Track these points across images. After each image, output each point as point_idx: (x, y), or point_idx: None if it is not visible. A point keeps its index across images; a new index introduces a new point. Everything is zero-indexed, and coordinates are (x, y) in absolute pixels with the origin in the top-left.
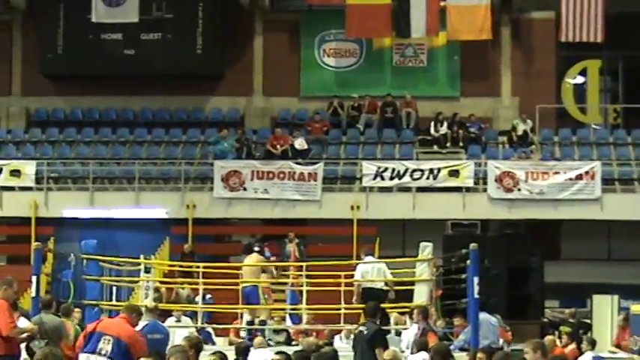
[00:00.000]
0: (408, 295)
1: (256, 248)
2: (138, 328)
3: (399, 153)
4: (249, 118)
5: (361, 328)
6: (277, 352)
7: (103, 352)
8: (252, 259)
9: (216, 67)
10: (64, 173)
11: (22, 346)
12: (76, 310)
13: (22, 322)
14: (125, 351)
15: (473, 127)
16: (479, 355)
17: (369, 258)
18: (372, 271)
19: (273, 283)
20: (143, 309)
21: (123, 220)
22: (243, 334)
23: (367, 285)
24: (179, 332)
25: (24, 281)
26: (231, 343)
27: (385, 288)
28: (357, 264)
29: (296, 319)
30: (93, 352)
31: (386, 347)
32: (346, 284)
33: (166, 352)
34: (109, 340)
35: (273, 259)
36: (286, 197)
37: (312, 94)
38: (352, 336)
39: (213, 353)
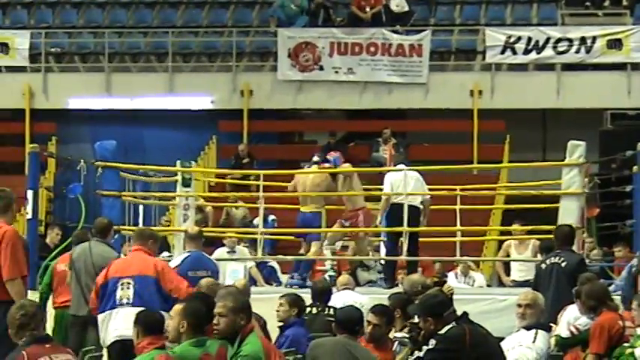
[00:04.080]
0: (550, 216)
1: (315, 158)
2: (174, 263)
3: (538, 16)
4: None
5: (553, 258)
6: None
7: (125, 301)
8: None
9: None
10: (69, 47)
11: None
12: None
13: None
14: (155, 290)
15: None
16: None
17: (401, 166)
18: (401, 183)
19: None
20: (182, 236)
21: (151, 113)
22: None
23: (397, 200)
24: (232, 267)
25: (17, 198)
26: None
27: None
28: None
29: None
30: (113, 306)
31: None
32: (464, 200)
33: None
34: (129, 284)
35: (346, 165)
36: (379, 79)
37: None
38: (538, 269)
39: (283, 296)
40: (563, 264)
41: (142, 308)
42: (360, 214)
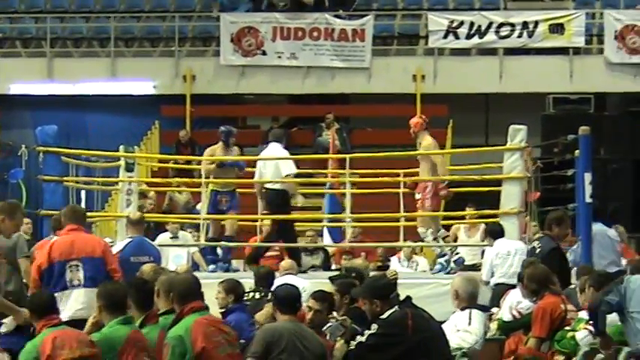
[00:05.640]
0: (493, 199)
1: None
2: (117, 248)
3: (480, 0)
4: None
5: (535, 242)
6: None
7: (76, 282)
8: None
9: None
10: (10, 33)
11: None
12: (26, 221)
13: None
14: (103, 270)
15: None
16: (589, 282)
17: (275, 146)
18: (264, 167)
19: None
20: (124, 221)
21: (94, 98)
22: None
23: (270, 186)
24: (175, 253)
25: None
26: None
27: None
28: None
29: (337, 234)
30: (64, 288)
31: (559, 274)
32: (408, 185)
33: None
34: (78, 266)
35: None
36: (322, 64)
37: None
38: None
39: (221, 283)
40: (538, 249)
41: (94, 289)
42: None
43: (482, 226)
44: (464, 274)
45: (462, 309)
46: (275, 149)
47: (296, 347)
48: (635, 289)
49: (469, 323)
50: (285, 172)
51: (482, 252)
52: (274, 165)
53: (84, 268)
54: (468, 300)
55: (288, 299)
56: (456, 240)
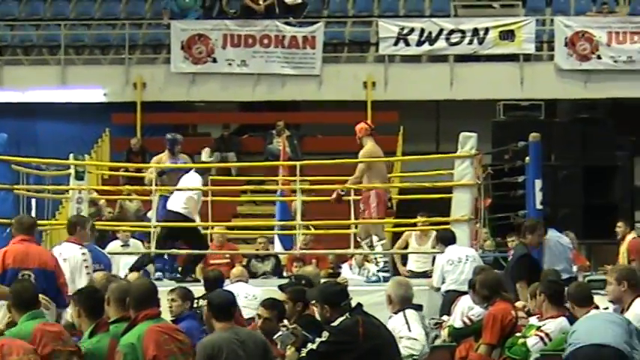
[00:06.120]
0: (443, 207)
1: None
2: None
3: (430, 7)
4: None
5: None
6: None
7: None
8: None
9: None
10: None
11: None
12: None
13: None
14: (53, 282)
15: None
16: (540, 288)
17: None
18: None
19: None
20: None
21: (44, 106)
22: None
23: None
24: (126, 260)
25: None
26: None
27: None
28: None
29: (287, 241)
30: None
31: (529, 280)
32: (357, 192)
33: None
34: (30, 276)
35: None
36: (272, 71)
37: None
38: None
39: (173, 290)
40: (511, 256)
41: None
42: None
43: (434, 233)
44: (396, 278)
45: (396, 312)
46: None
47: (238, 356)
48: None
49: (409, 328)
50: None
51: (433, 259)
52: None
53: (36, 279)
54: (400, 303)
55: (223, 306)
56: (406, 247)
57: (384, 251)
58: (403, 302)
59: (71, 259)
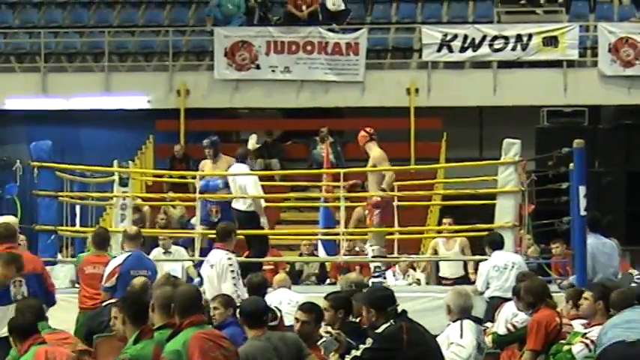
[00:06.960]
0: (487, 213)
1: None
2: (116, 262)
3: (474, 13)
4: None
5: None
6: (304, 305)
7: (19, 297)
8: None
9: None
10: (4, 48)
11: None
12: (21, 237)
13: None
14: (43, 286)
15: None
16: (586, 294)
17: (240, 167)
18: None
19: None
20: (119, 236)
21: (88, 113)
22: None
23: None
24: (169, 267)
25: None
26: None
27: (248, 209)
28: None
29: (331, 248)
30: (9, 302)
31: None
32: (401, 198)
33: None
34: (21, 282)
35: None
36: (316, 78)
37: None
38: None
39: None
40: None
41: None
42: None
43: (459, 238)
44: (456, 288)
45: (454, 321)
46: (239, 170)
47: None
48: None
49: (461, 336)
50: (251, 192)
51: (464, 263)
52: (241, 186)
53: (27, 284)
54: (459, 313)
55: (255, 314)
56: (435, 253)
57: (424, 257)
58: (462, 312)
59: (217, 265)
